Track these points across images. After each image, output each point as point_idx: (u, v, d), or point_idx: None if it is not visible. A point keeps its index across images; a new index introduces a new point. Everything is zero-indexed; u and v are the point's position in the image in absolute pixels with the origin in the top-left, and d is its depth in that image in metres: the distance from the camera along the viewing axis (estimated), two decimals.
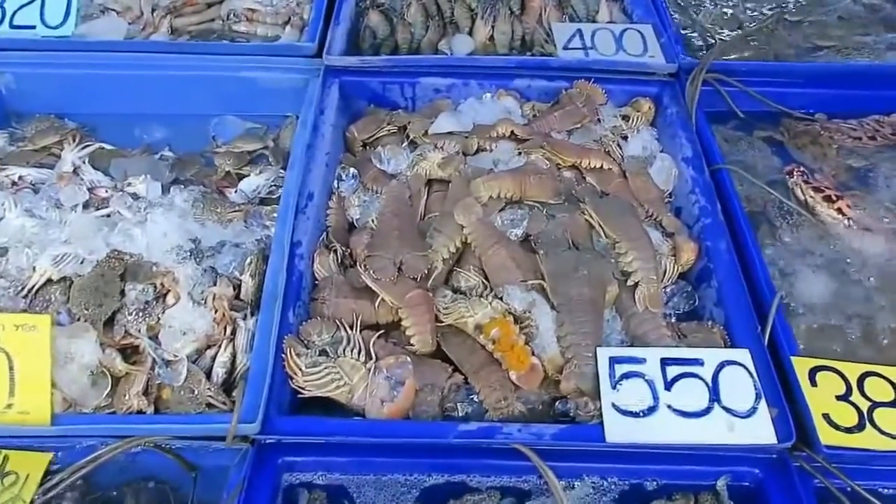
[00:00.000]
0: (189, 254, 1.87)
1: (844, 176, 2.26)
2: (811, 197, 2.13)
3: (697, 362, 1.65)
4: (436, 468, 1.66)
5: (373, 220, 2.00)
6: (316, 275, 1.91)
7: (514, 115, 2.31)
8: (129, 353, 1.76)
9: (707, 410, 1.58)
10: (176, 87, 2.39)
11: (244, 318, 1.78)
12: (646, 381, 1.62)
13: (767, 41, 2.66)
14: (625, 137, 2.28)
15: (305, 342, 1.73)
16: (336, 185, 2.14)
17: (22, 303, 1.78)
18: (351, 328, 1.74)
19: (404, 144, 2.22)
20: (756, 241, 1.95)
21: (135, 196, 2.06)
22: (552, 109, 2.31)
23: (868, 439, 1.58)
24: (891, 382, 1.66)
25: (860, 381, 1.66)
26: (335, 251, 1.94)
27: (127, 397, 1.65)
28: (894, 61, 2.59)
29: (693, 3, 2.82)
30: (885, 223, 2.08)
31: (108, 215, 2.01)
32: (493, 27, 2.61)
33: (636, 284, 1.85)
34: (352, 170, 2.15)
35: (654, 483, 1.67)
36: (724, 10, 2.79)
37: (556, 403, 1.67)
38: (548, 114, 2.28)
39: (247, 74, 2.37)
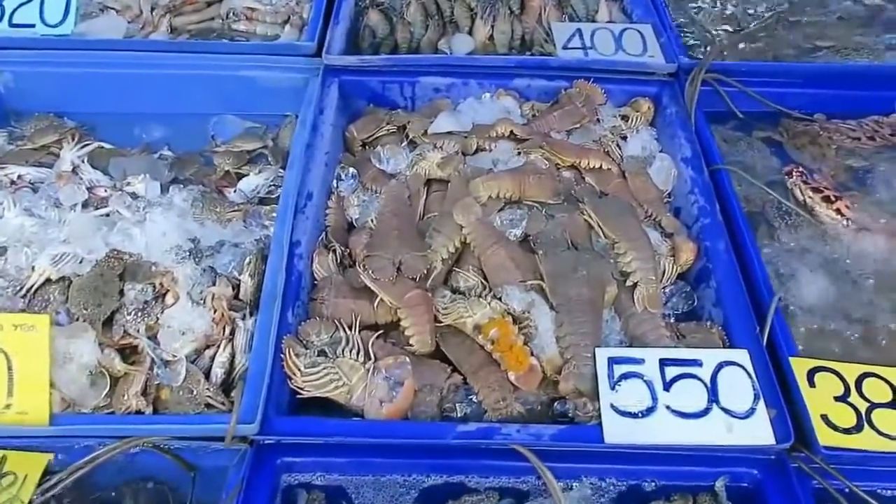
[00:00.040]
0: (188, 253, 1.87)
1: (843, 176, 2.26)
2: (810, 197, 2.13)
3: (696, 363, 1.65)
4: (434, 469, 1.67)
5: (372, 220, 2.00)
6: (315, 275, 1.91)
7: (513, 114, 2.31)
8: (128, 353, 1.76)
9: (706, 411, 1.58)
10: (175, 86, 2.39)
11: (243, 318, 1.78)
12: (644, 381, 1.62)
13: (767, 41, 2.66)
14: (624, 137, 2.28)
15: (304, 342, 1.73)
16: (335, 185, 2.14)
17: (21, 302, 1.78)
18: (350, 328, 1.74)
19: (403, 144, 2.22)
20: (755, 242, 1.95)
21: (134, 195, 2.06)
22: (551, 109, 2.31)
23: (866, 440, 1.58)
24: (889, 383, 1.66)
25: (858, 381, 1.66)
26: (334, 251, 1.94)
27: (126, 397, 1.65)
28: (893, 62, 2.60)
29: (692, 3, 2.81)
30: (884, 224, 2.08)
31: (107, 215, 2.01)
32: (492, 27, 2.61)
33: (635, 285, 1.85)
34: (351, 169, 2.15)
35: (653, 484, 1.67)
36: (724, 10, 2.79)
37: (555, 404, 1.68)
38: (547, 114, 2.28)
39: (246, 73, 2.37)
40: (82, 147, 2.23)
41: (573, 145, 2.21)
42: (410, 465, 1.66)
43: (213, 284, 1.81)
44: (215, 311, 1.77)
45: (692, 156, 2.15)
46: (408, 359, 1.68)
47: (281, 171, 2.15)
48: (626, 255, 1.88)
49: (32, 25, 2.37)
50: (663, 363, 1.64)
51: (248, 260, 1.86)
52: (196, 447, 1.61)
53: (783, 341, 1.73)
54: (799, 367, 1.67)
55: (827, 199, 2.10)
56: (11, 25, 2.36)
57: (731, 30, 2.70)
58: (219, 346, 1.75)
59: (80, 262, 1.82)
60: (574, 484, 1.65)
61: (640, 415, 1.58)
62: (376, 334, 1.74)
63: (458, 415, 1.67)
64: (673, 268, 1.95)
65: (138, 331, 1.74)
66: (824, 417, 1.59)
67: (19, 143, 2.29)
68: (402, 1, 2.68)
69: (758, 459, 1.64)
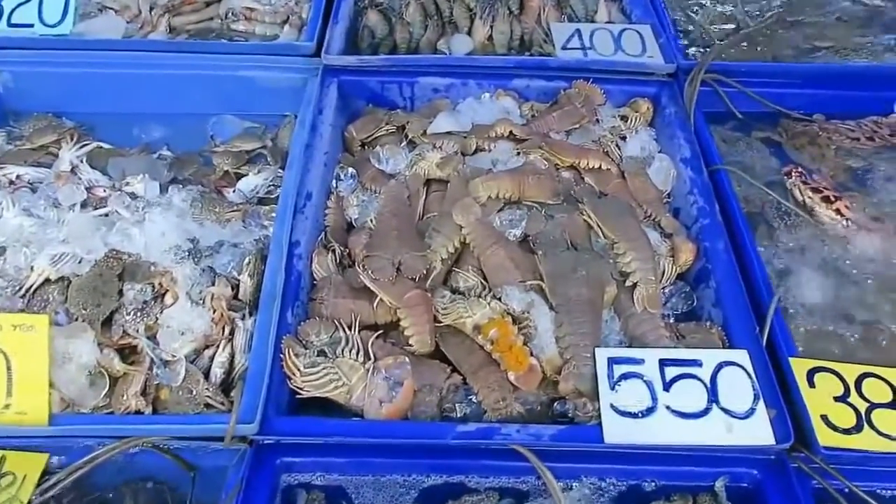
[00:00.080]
0: (187, 253, 1.87)
1: (843, 177, 2.26)
2: (809, 197, 2.13)
3: (696, 363, 1.65)
4: (434, 469, 1.66)
5: (371, 220, 2.00)
6: (314, 275, 1.91)
7: (512, 115, 2.31)
8: (128, 353, 1.76)
9: (705, 411, 1.58)
10: (174, 86, 2.39)
11: (242, 319, 1.78)
12: (644, 381, 1.62)
13: (766, 42, 2.66)
14: (623, 138, 2.28)
15: (304, 342, 1.73)
16: (334, 185, 2.14)
17: (20, 302, 1.77)
18: (349, 328, 1.74)
19: (403, 144, 2.22)
20: (754, 242, 1.95)
21: (133, 195, 2.05)
22: (551, 109, 2.31)
23: (866, 440, 1.58)
24: (889, 384, 1.66)
25: (858, 382, 1.66)
26: (334, 251, 1.94)
27: (125, 397, 1.65)
28: (892, 62, 2.60)
29: (692, 3, 2.81)
30: (884, 224, 2.08)
31: (106, 215, 2.00)
32: (491, 27, 2.60)
33: (635, 285, 1.85)
34: (350, 169, 2.15)
35: (653, 484, 1.67)
36: (723, 10, 2.79)
37: (555, 404, 1.68)
38: (546, 114, 2.28)
39: (245, 73, 2.37)
40: (81, 147, 2.23)
41: (572, 145, 2.21)
42: (410, 465, 1.66)
43: (213, 284, 1.81)
44: (214, 311, 1.77)
45: (691, 156, 2.15)
46: (407, 359, 1.67)
47: (280, 171, 2.15)
48: (626, 256, 1.88)
49: (31, 25, 2.36)
50: (663, 363, 1.64)
51: (247, 260, 1.85)
52: (195, 447, 1.61)
53: (783, 341, 1.73)
54: (799, 367, 1.67)
55: (826, 200, 2.11)
56: (10, 25, 2.36)
57: (730, 30, 2.70)
58: (218, 347, 1.74)
59: (79, 262, 1.82)
60: (574, 484, 1.65)
61: (639, 415, 1.57)
62: (376, 334, 1.74)
63: (458, 415, 1.66)
64: (672, 268, 1.95)
65: (137, 331, 1.73)
66: (824, 418, 1.59)
67: (18, 143, 2.29)
68: (402, 1, 2.68)
69: (758, 459, 1.64)
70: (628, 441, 1.55)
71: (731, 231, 1.97)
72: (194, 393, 1.66)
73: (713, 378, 1.63)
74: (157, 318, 1.76)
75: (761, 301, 1.81)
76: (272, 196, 2.13)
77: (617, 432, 1.55)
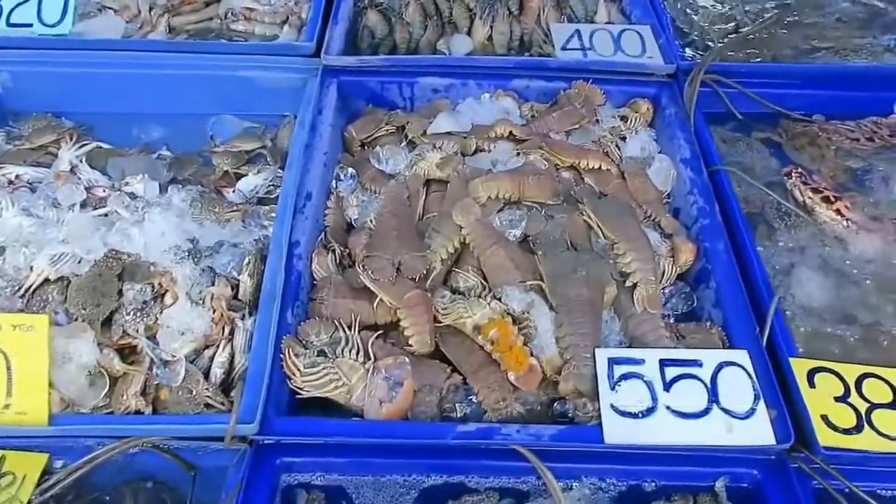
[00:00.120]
0: (187, 253, 1.86)
1: (842, 177, 2.27)
2: (809, 198, 2.14)
3: (696, 363, 1.65)
4: (434, 469, 1.66)
5: (371, 221, 2.00)
6: (314, 275, 1.91)
7: (512, 115, 2.31)
8: (127, 353, 1.75)
9: (706, 411, 1.58)
10: (174, 87, 2.38)
11: (242, 319, 1.78)
12: (644, 382, 1.62)
13: (766, 42, 2.66)
14: (623, 138, 2.28)
15: (304, 342, 1.73)
16: (334, 185, 2.14)
17: (19, 303, 1.77)
18: (349, 328, 1.74)
19: (403, 144, 2.22)
20: (754, 242, 1.95)
21: (132, 195, 2.05)
22: (551, 110, 2.31)
23: (866, 441, 1.58)
24: (889, 384, 1.67)
25: (858, 382, 1.66)
26: (333, 251, 1.94)
27: (125, 397, 1.65)
28: (892, 62, 2.60)
29: (691, 4, 2.82)
30: (883, 224, 2.08)
31: (106, 215, 2.00)
32: (491, 27, 2.61)
33: (635, 285, 1.85)
34: (350, 170, 2.15)
35: (653, 484, 1.67)
36: (723, 11, 2.79)
37: (555, 404, 1.67)
38: (546, 114, 2.28)
39: (245, 74, 2.37)
40: (80, 147, 2.23)
41: (572, 146, 2.21)
42: (410, 466, 1.66)
43: (212, 284, 1.81)
44: (214, 312, 1.77)
45: (691, 156, 2.15)
46: (407, 359, 1.67)
47: (280, 171, 2.15)
48: (626, 256, 1.88)
49: (30, 25, 2.36)
50: (663, 363, 1.64)
51: (247, 260, 1.85)
52: (195, 447, 1.61)
53: (783, 342, 1.73)
54: (799, 367, 1.67)
55: (826, 200, 2.11)
56: (9, 25, 2.36)
57: (730, 30, 2.70)
58: (218, 347, 1.74)
59: (79, 262, 1.82)
60: (574, 484, 1.65)
61: (640, 415, 1.57)
62: (376, 334, 1.74)
63: (458, 415, 1.66)
64: (672, 268, 1.95)
65: (137, 331, 1.73)
66: (824, 418, 1.59)
67: (17, 142, 2.28)
68: (401, 1, 2.68)
69: (758, 460, 1.64)
70: (628, 441, 1.55)
71: (731, 231, 1.97)
72: (194, 393, 1.66)
73: (713, 378, 1.63)
74: (156, 318, 1.76)
75: (761, 301, 1.81)
76: (272, 196, 2.13)
77: (617, 432, 1.55)
